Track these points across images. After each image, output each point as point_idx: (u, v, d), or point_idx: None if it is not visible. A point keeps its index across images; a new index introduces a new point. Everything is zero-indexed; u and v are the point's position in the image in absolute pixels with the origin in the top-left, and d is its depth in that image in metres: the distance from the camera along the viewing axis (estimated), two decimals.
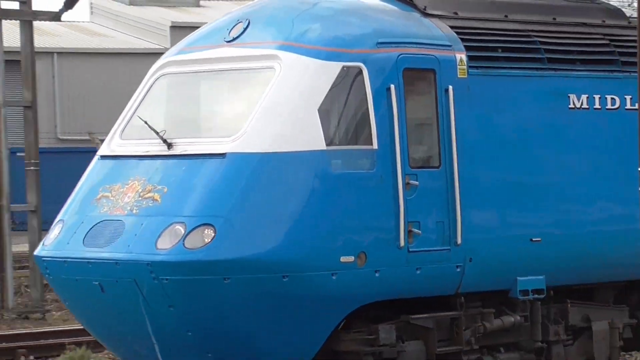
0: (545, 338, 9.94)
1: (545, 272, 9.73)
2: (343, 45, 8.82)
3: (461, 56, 9.37)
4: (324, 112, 8.63)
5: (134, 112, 9.30)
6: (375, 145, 8.73)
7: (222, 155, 8.44)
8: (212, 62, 9.11)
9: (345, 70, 8.73)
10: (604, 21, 10.80)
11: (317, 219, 8.47)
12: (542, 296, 9.75)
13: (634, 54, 10.37)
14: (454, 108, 9.22)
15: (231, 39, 9.17)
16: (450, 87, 9.20)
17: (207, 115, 9.17)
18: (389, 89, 8.81)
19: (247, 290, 8.28)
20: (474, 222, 9.31)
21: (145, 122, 8.94)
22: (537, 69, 9.93)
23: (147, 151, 8.92)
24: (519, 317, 9.70)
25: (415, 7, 9.56)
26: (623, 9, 13.21)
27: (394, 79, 8.88)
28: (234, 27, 9.24)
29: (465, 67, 9.38)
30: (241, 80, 8.97)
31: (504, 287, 9.62)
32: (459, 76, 9.32)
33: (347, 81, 8.78)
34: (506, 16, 10.13)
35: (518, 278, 9.57)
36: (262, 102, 8.56)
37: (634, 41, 10.51)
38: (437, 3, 9.73)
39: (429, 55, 9.15)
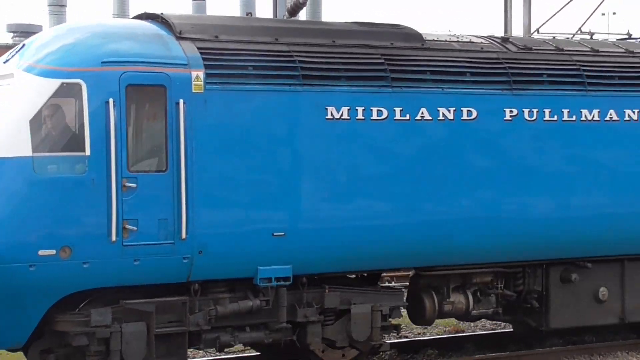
0: (293, 319, 11.10)
1: (292, 263, 10.87)
2: (66, 65, 10.17)
3: (198, 73, 10.58)
4: (36, 123, 9.99)
5: None
6: (87, 152, 10.05)
7: None
8: None
9: (64, 86, 10.10)
10: (392, 43, 11.74)
11: (16, 217, 9.77)
12: (287, 283, 10.89)
13: (407, 72, 11.41)
14: (185, 119, 10.39)
15: (5, 59, 10.82)
16: (182, 101, 10.40)
17: None
18: (107, 103, 10.12)
19: None
20: (204, 219, 10.46)
21: None
22: (290, 84, 10.99)
23: None
24: (258, 302, 10.88)
25: (172, 31, 10.86)
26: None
27: (114, 94, 10.16)
28: (20, 49, 10.87)
29: (201, 83, 10.58)
30: None
31: (247, 275, 10.80)
32: (193, 91, 10.51)
33: (66, 96, 10.15)
34: (277, 39, 11.25)
35: (259, 267, 10.74)
36: None
37: (420, 60, 11.57)
38: (196, 28, 10.97)
39: (159, 72, 10.38)
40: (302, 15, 37.46)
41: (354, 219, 11.21)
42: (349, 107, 11.22)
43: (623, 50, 13.46)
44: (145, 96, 10.42)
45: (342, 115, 11.20)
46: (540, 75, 12.45)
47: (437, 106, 11.69)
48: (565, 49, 13.00)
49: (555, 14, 16.86)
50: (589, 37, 14.19)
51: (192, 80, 10.56)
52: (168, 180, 10.38)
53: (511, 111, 12.14)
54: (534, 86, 12.33)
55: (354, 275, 12.16)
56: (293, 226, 10.90)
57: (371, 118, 11.32)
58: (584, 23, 15.72)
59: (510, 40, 12.93)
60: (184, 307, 10.60)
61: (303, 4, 14.88)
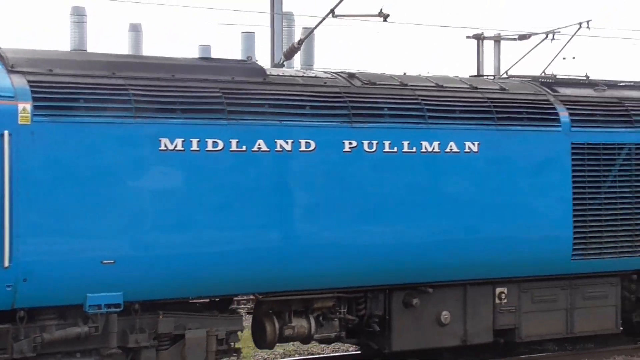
0: (124, 345, 11.45)
1: (124, 290, 11.20)
2: None
3: (25, 106, 10.87)
4: None
5: None
6: None
7: None
8: None
9: None
10: (233, 78, 12.16)
11: None
12: (117, 310, 11.23)
13: (245, 105, 11.76)
14: (10, 150, 10.71)
15: None
16: (7, 132, 10.70)
17: None
18: None
19: None
20: (28, 248, 10.75)
21: None
22: (123, 117, 11.31)
23: None
24: (87, 328, 11.21)
25: (4, 64, 11.18)
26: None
27: None
28: None
29: (29, 115, 10.87)
30: None
31: (77, 302, 11.10)
32: (20, 122, 10.81)
33: None
34: (114, 73, 11.57)
35: (88, 294, 11.06)
36: None
37: (258, 93, 11.92)
38: (30, 62, 11.30)
39: None
40: (297, 59, 38.53)
41: (186, 246, 11.54)
42: (183, 139, 11.53)
43: (467, 86, 13.92)
44: None
45: (175, 146, 11.51)
46: (381, 108, 12.83)
47: (275, 138, 12.04)
48: (409, 84, 13.42)
49: (521, 58, 18.76)
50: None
51: (19, 112, 10.82)
52: None
53: (350, 143, 12.52)
54: (373, 119, 12.72)
55: (207, 300, 12.50)
56: (123, 254, 11.19)
57: (206, 149, 11.65)
58: (547, 67, 17.48)
59: (357, 75, 13.32)
60: (7, 334, 10.87)
61: (298, 48, 15.33)
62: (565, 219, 14.09)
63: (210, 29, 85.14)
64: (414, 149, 12.95)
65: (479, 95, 13.78)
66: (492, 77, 15.74)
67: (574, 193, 14.18)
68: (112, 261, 11.14)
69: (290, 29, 43.80)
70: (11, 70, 11.12)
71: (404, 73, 14.27)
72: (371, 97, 12.95)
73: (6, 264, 10.66)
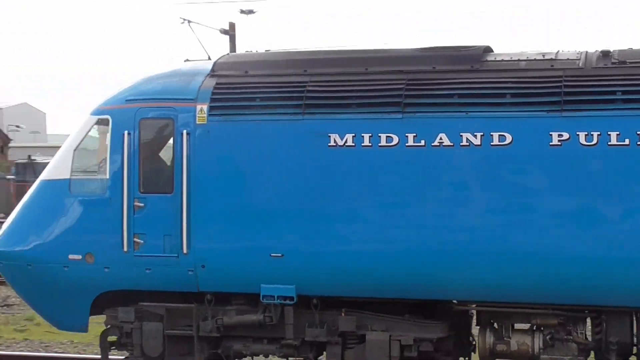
0: (300, 337, 11.78)
1: (296, 283, 11.52)
2: (104, 104, 12.28)
3: (202, 107, 11.76)
4: (78, 151, 12.25)
5: None
6: (107, 176, 12.03)
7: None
8: None
9: (100, 121, 12.19)
10: (434, 67, 11.54)
11: (54, 226, 12.17)
12: (291, 302, 11.59)
13: (421, 96, 11.34)
14: (189, 147, 11.70)
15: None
16: (185, 131, 11.73)
17: None
18: (123, 135, 11.95)
19: (13, 271, 12.54)
20: (204, 237, 11.68)
21: None
22: (292, 114, 11.52)
23: None
24: (262, 317, 11.77)
25: (212, 68, 12.16)
26: None
27: (130, 127, 11.94)
28: None
29: (205, 115, 11.75)
30: None
31: (253, 291, 11.75)
32: (197, 122, 11.75)
33: (101, 129, 12.21)
34: (305, 71, 11.80)
35: (262, 285, 11.64)
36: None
37: (438, 84, 11.41)
38: (230, 65, 12.13)
39: (168, 107, 11.85)
40: None
41: (356, 243, 11.27)
42: (353, 134, 11.28)
43: None
44: (157, 127, 12.05)
45: (346, 142, 11.32)
46: (613, 93, 10.81)
47: (460, 131, 11.03)
48: None
49: None
50: None
51: (197, 112, 11.78)
52: (173, 201, 11.78)
53: (560, 135, 10.82)
54: (594, 106, 10.78)
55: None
56: (291, 248, 11.44)
57: (379, 144, 11.28)
58: None
59: (612, 54, 11.39)
60: (193, 313, 12.05)
61: None
62: None
63: None
64: None
65: None
66: None
67: None
68: (281, 255, 11.47)
69: None
70: (211, 74, 12.07)
71: None
72: (602, 79, 10.90)
73: (185, 250, 11.77)
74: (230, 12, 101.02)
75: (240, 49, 34.68)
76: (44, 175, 12.53)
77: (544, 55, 11.49)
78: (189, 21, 29.12)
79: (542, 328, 11.41)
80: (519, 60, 11.47)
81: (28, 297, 12.83)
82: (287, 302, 11.61)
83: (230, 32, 34.68)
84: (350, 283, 11.41)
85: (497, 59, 11.56)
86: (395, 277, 11.22)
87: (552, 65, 11.24)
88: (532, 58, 11.45)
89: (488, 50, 11.87)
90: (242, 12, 36.46)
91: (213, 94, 11.80)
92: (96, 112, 12.31)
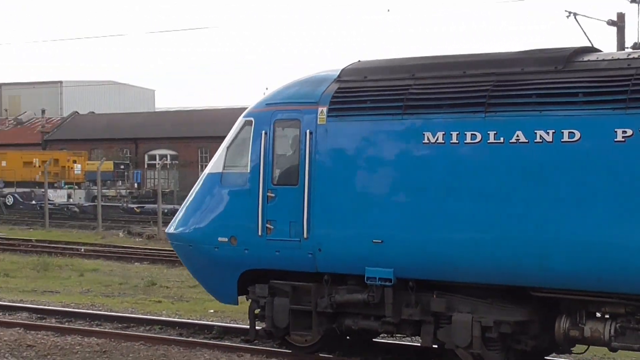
0: (398, 316, 13.04)
1: (393, 266, 12.90)
2: (252, 107, 14.26)
3: (323, 109, 13.42)
4: (230, 148, 14.26)
5: None
6: (248, 170, 13.95)
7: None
8: None
9: (246, 122, 14.16)
10: (522, 69, 12.47)
11: (208, 213, 14.26)
12: (389, 284, 12.95)
13: (502, 97, 12.44)
14: (311, 144, 13.39)
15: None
16: (308, 131, 13.43)
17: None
18: (261, 134, 13.84)
19: (182, 250, 14.74)
20: (321, 223, 13.31)
21: None
22: (393, 114, 12.94)
23: None
24: (366, 297, 13.18)
25: (338, 74, 13.78)
26: None
27: (267, 127, 13.81)
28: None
29: (324, 116, 13.40)
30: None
31: (359, 273, 13.19)
32: (319, 122, 13.41)
33: (246, 129, 14.13)
34: (413, 75, 13.16)
35: (366, 267, 13.10)
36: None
37: (519, 85, 12.47)
38: (354, 71, 13.67)
39: (296, 110, 13.61)
40: None
41: (444, 231, 12.43)
42: (443, 132, 12.49)
43: None
44: (287, 128, 13.82)
45: (437, 139, 12.54)
46: None
47: (534, 129, 11.93)
48: None
49: None
50: None
51: (318, 114, 13.47)
52: (298, 192, 13.50)
53: (624, 132, 11.44)
54: None
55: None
56: (390, 235, 12.80)
57: (465, 142, 12.42)
58: None
59: None
60: (311, 291, 13.64)
61: None
62: None
63: None
64: None
65: None
66: None
67: None
68: (381, 241, 12.86)
69: None
70: (337, 79, 13.71)
71: None
72: None
73: (305, 235, 13.45)
74: (619, 2, 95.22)
75: (629, 42, 33.03)
76: (208, 169, 14.72)
77: (628, 55, 12.06)
78: (575, 14, 28.66)
79: (612, 317, 11.90)
80: (603, 60, 12.12)
81: (194, 272, 15.07)
82: (387, 283, 12.92)
83: (618, 23, 33.16)
84: (442, 268, 12.54)
85: (585, 59, 12.27)
86: (479, 264, 12.23)
87: (629, 65, 11.82)
88: (617, 58, 12.07)
89: (587, 50, 12.57)
90: (633, 1, 33.46)
91: (333, 97, 13.41)
92: (245, 115, 14.33)
